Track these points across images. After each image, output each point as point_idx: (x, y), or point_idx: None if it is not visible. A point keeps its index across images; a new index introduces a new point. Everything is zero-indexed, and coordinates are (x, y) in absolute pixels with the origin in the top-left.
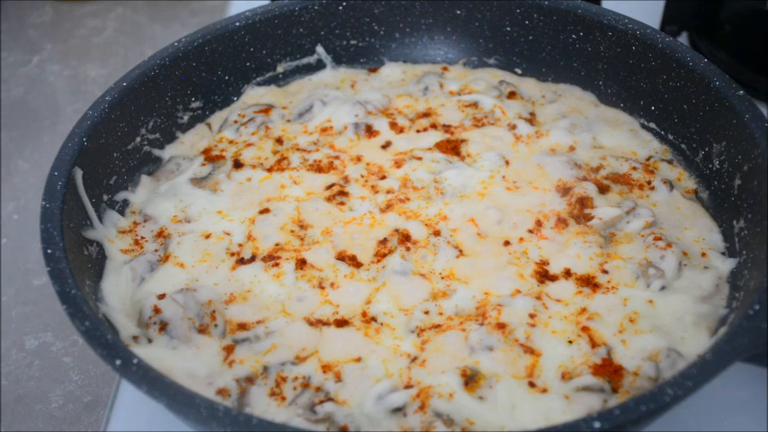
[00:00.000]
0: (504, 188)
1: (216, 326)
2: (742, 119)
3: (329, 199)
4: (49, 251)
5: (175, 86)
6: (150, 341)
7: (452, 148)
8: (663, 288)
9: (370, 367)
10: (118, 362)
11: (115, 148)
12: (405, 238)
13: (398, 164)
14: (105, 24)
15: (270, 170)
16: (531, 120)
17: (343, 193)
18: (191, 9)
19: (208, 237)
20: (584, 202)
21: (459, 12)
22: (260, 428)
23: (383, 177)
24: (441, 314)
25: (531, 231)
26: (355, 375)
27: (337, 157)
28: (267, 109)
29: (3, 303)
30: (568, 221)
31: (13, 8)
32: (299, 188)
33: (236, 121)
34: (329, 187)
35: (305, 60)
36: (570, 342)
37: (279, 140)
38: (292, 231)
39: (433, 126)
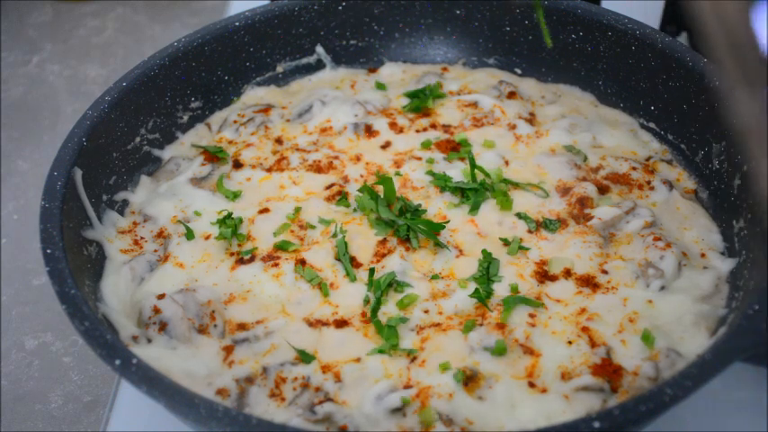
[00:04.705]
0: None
1: (215, 326)
2: None
3: (329, 199)
4: (48, 251)
5: (175, 86)
6: (150, 341)
7: (452, 148)
8: (662, 288)
9: (370, 367)
10: (117, 362)
11: (115, 148)
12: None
13: (398, 164)
14: (105, 24)
15: (269, 170)
16: (531, 120)
17: (342, 193)
18: (191, 9)
19: (207, 237)
20: (583, 202)
21: (459, 12)
22: (259, 428)
23: None
24: (440, 314)
25: (530, 231)
26: (355, 376)
27: (337, 157)
28: (267, 109)
29: (3, 303)
30: (568, 221)
31: (12, 8)
32: (298, 188)
33: (235, 121)
34: (329, 187)
35: (305, 60)
36: (570, 342)
37: (278, 140)
38: (292, 231)
39: (433, 126)
